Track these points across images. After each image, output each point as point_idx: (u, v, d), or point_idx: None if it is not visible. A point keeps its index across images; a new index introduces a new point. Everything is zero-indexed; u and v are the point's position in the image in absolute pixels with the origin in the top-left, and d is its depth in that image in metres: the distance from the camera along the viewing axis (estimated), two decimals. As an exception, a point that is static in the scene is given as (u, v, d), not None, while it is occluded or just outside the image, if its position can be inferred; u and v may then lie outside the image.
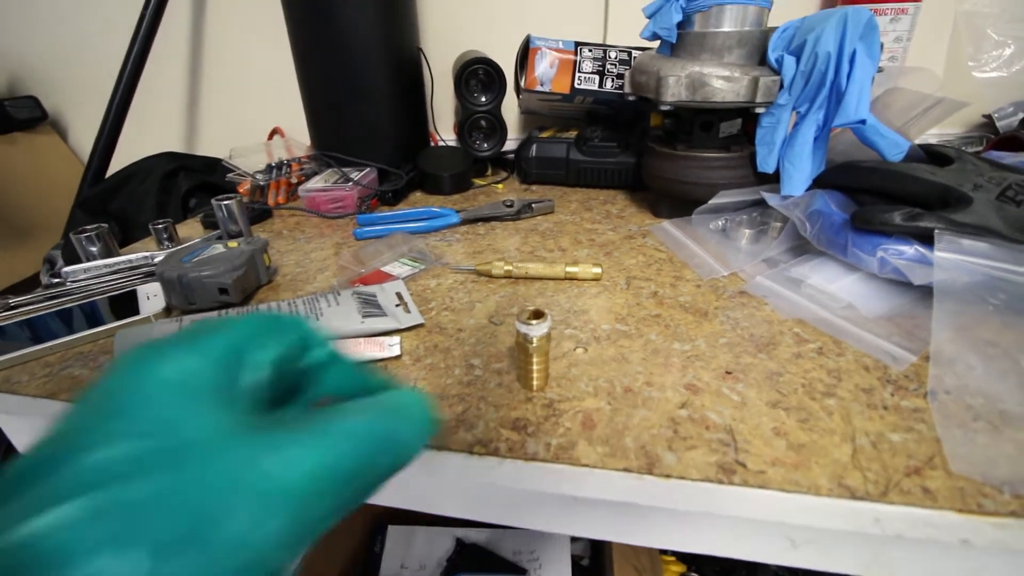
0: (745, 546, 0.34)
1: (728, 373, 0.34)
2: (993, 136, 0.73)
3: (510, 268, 0.48)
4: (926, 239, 0.39)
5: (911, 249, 0.40)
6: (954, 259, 0.37)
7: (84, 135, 1.17)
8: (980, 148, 0.73)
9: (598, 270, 0.47)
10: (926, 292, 0.38)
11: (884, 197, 0.47)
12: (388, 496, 0.38)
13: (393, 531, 0.87)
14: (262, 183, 0.70)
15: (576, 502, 0.34)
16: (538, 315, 0.32)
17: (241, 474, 0.13)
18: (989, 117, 0.73)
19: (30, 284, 1.03)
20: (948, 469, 0.27)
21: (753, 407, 0.31)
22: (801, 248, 0.49)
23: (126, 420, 0.14)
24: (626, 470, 0.27)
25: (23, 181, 1.06)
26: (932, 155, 0.50)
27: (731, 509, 0.27)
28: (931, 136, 0.78)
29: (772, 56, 0.50)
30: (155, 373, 0.15)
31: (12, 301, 0.47)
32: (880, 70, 0.52)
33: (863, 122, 0.45)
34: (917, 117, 0.53)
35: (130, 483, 0.12)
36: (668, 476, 0.27)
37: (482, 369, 0.36)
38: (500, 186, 0.77)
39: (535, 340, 0.32)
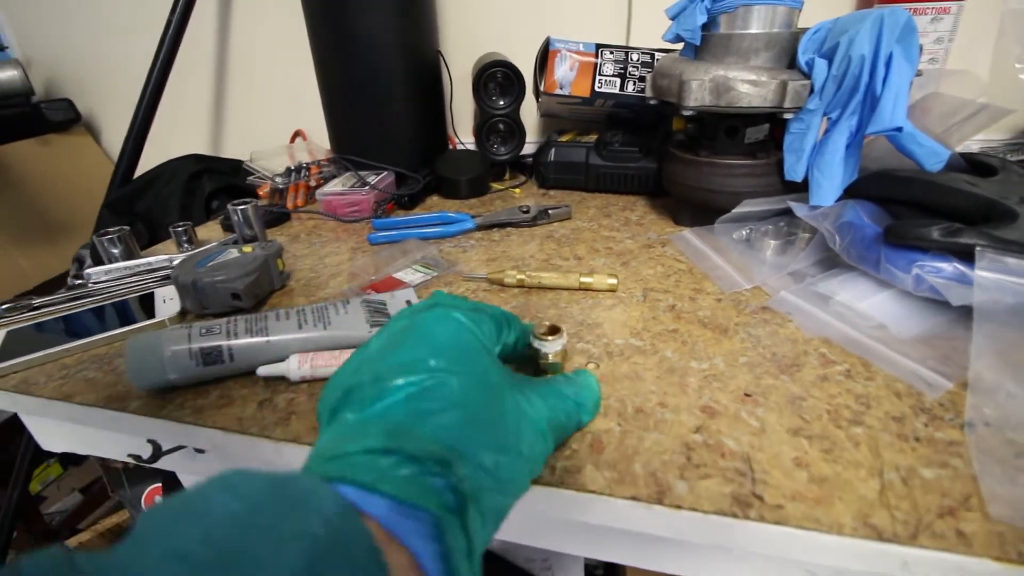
0: (761, 577, 0.32)
1: (747, 395, 0.33)
2: (1042, 142, 0.69)
3: (523, 277, 0.47)
4: (966, 256, 0.37)
5: (950, 267, 0.37)
6: (997, 279, 0.35)
7: (116, 136, 1.20)
8: (1027, 156, 0.69)
9: (613, 281, 0.46)
10: (965, 313, 0.36)
11: (921, 209, 0.44)
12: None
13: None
14: (281, 187, 0.70)
15: (586, 525, 0.32)
16: (554, 331, 0.32)
17: (523, 411, 0.24)
18: (1038, 122, 0.69)
19: (61, 280, 1.06)
20: (986, 511, 0.25)
21: (773, 434, 0.30)
22: (830, 261, 0.47)
23: (443, 354, 0.23)
24: (634, 498, 0.26)
25: (57, 181, 1.09)
26: (974, 165, 0.47)
27: (746, 545, 0.25)
28: (974, 142, 0.74)
29: (802, 59, 0.48)
30: (459, 323, 0.25)
31: (36, 302, 0.48)
32: (919, 73, 0.49)
33: (899, 129, 0.43)
34: (959, 124, 0.50)
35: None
36: (679, 507, 0.25)
37: (490, 384, 0.35)
38: (517, 191, 0.76)
39: (551, 357, 0.31)
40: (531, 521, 0.35)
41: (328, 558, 0.14)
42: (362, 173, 0.73)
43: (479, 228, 0.62)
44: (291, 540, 0.14)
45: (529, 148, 0.80)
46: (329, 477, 0.18)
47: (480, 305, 0.27)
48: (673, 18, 0.53)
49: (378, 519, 0.17)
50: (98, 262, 0.55)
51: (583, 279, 0.46)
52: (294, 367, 0.34)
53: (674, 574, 0.35)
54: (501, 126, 0.76)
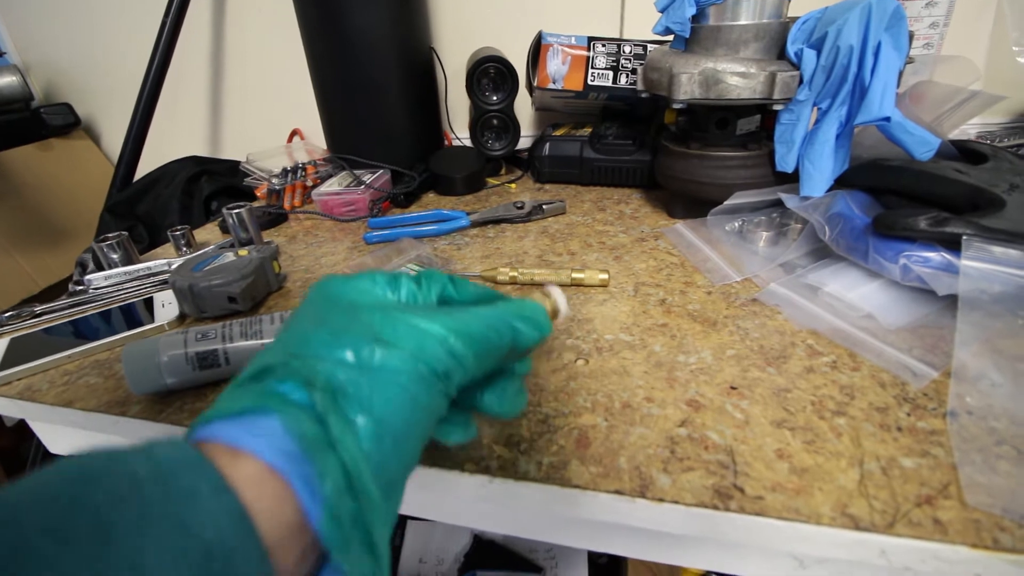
0: (751, 565, 0.33)
1: (733, 388, 0.33)
2: (1039, 126, 0.68)
3: (515, 274, 0.47)
4: (954, 245, 0.37)
5: (937, 256, 0.37)
6: (982, 268, 0.35)
7: (117, 139, 1.21)
8: (1023, 141, 0.69)
9: (605, 276, 0.46)
10: (953, 302, 0.36)
11: (911, 199, 0.44)
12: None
13: (412, 526, 0.88)
14: (278, 187, 0.71)
15: (579, 518, 0.33)
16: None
17: (401, 317, 0.20)
18: (1035, 105, 0.68)
19: (67, 285, 1.08)
20: (963, 499, 0.25)
21: (757, 426, 0.30)
22: (822, 252, 0.47)
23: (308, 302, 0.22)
24: (618, 492, 0.27)
25: (59, 185, 1.10)
26: (965, 152, 0.47)
27: (727, 536, 0.26)
28: (971, 126, 0.73)
29: (791, 49, 0.48)
30: (326, 284, 0.22)
31: (38, 309, 0.49)
32: (911, 60, 0.49)
33: (888, 119, 0.43)
34: (950, 111, 0.50)
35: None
36: (661, 500, 0.26)
37: (480, 382, 0.35)
38: (513, 186, 0.77)
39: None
40: (526, 516, 0.36)
41: (151, 490, 0.13)
42: (358, 172, 0.73)
43: (474, 225, 0.62)
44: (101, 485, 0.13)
45: (525, 142, 0.80)
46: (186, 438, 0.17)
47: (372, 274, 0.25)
48: (662, 11, 0.53)
49: (218, 439, 0.16)
50: (99, 266, 0.56)
51: (575, 275, 0.46)
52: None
53: (673, 563, 0.35)
54: (495, 121, 0.76)
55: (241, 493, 0.14)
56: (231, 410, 0.17)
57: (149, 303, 0.48)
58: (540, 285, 0.26)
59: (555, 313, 0.26)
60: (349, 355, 0.18)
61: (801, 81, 0.48)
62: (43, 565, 0.11)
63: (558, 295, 0.26)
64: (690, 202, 0.59)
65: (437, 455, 0.30)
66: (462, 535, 0.87)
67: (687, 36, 0.53)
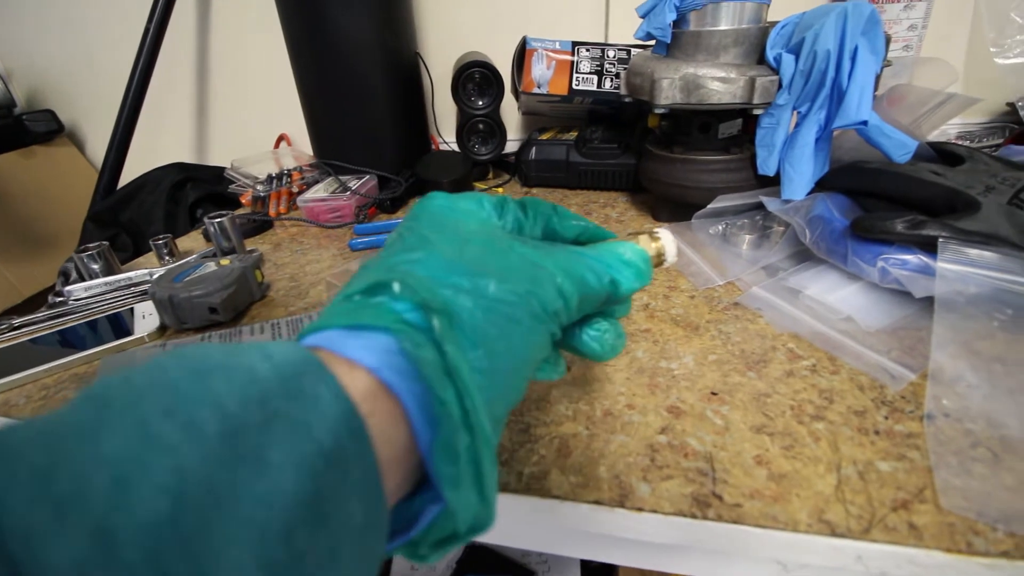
0: (737, 569, 0.33)
1: (714, 394, 0.33)
2: (1017, 126, 0.69)
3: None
4: (930, 248, 0.37)
5: (914, 258, 0.38)
6: (958, 270, 0.35)
7: (100, 146, 1.20)
8: (1002, 141, 0.70)
9: (589, 282, 0.46)
10: (931, 303, 0.36)
11: (890, 201, 0.44)
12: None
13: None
14: (263, 194, 0.70)
15: (563, 528, 0.33)
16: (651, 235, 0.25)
17: (520, 251, 0.20)
18: (1012, 106, 0.69)
19: (49, 294, 1.07)
20: (939, 503, 0.25)
21: (736, 432, 0.30)
22: (803, 254, 0.48)
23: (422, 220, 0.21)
24: (597, 502, 0.27)
25: (42, 193, 1.09)
26: (943, 154, 0.48)
27: (705, 544, 0.26)
28: (953, 126, 0.74)
29: (770, 54, 0.48)
30: (441, 201, 0.22)
31: (16, 321, 0.48)
32: (889, 63, 0.49)
33: (865, 123, 0.43)
34: (928, 113, 0.50)
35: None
36: (640, 509, 0.26)
37: (462, 391, 0.35)
38: (500, 190, 0.77)
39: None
40: (512, 527, 0.36)
41: (273, 389, 0.13)
42: (344, 178, 0.73)
43: (459, 231, 0.62)
44: (224, 381, 0.12)
45: (512, 146, 0.81)
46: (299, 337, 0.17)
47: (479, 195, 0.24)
48: (644, 16, 0.53)
49: (333, 349, 0.15)
50: (82, 277, 0.55)
51: (558, 281, 0.46)
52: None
53: (660, 570, 0.35)
54: (481, 126, 0.76)
55: (359, 405, 0.14)
56: (346, 322, 0.16)
57: (129, 314, 0.48)
58: (652, 229, 0.25)
59: (660, 259, 0.25)
60: (465, 282, 0.17)
61: (780, 86, 0.48)
62: (165, 451, 0.11)
63: (668, 241, 0.25)
64: (675, 206, 0.59)
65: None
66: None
67: (668, 41, 0.53)
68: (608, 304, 0.23)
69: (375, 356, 0.15)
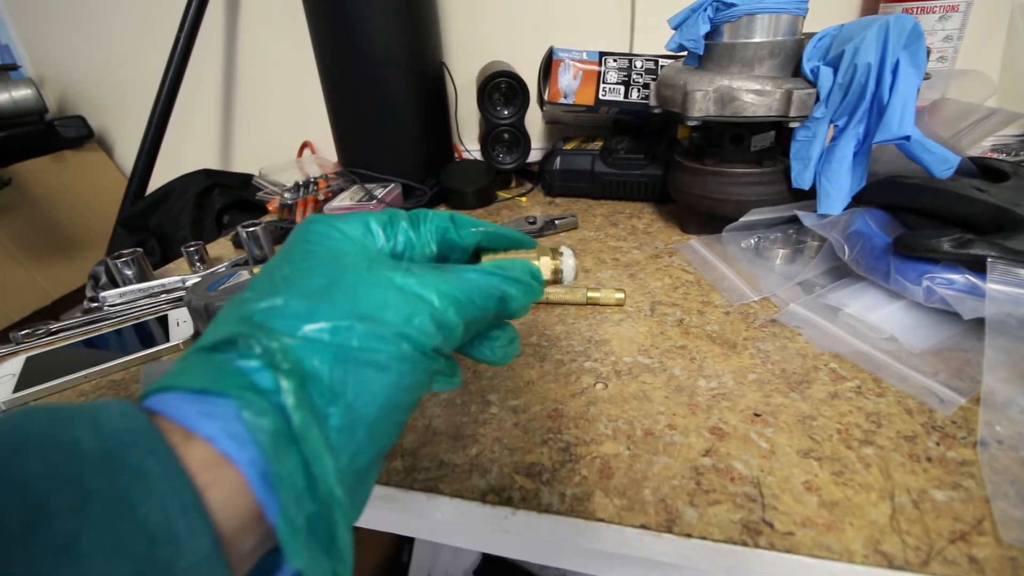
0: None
1: (756, 416, 0.33)
2: (1056, 139, 0.68)
3: (531, 293, 0.47)
4: (978, 267, 0.36)
5: (961, 278, 0.37)
6: (1009, 291, 0.34)
7: (128, 150, 1.22)
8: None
9: (621, 295, 0.46)
10: (977, 323, 0.36)
11: (931, 217, 0.44)
12: (414, 526, 0.38)
13: (420, 542, 0.87)
14: (290, 202, 0.71)
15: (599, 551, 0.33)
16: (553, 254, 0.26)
17: (386, 280, 0.18)
18: (1052, 118, 0.67)
19: (78, 296, 1.09)
20: (999, 536, 0.25)
21: (783, 456, 0.30)
22: (840, 271, 0.47)
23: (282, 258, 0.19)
24: (644, 527, 0.26)
25: (71, 196, 1.11)
26: (985, 169, 0.47)
27: (756, 573, 0.25)
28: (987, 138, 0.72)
29: (807, 67, 0.48)
30: (305, 229, 0.20)
31: (54, 327, 0.49)
32: (928, 76, 0.48)
33: (908, 138, 0.42)
34: (969, 128, 0.49)
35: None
36: (688, 535, 0.26)
37: (498, 406, 0.35)
38: (524, 199, 0.77)
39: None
40: (542, 545, 0.35)
41: (94, 465, 0.12)
42: (369, 186, 0.73)
43: (486, 241, 0.62)
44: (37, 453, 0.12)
45: (535, 155, 0.80)
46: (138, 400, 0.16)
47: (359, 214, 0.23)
48: (676, 28, 0.53)
49: (171, 416, 0.14)
50: (112, 280, 0.56)
51: (590, 294, 0.46)
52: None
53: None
54: (506, 135, 0.76)
55: (194, 477, 0.13)
56: (188, 384, 0.15)
57: (163, 321, 0.49)
58: (556, 248, 0.26)
59: (556, 277, 0.25)
60: (325, 333, 0.16)
61: (818, 99, 0.47)
62: None
63: (568, 263, 0.25)
64: (704, 218, 0.59)
65: (458, 485, 0.29)
66: (470, 552, 0.87)
67: (701, 53, 0.53)
68: (501, 318, 0.23)
69: (213, 424, 0.14)
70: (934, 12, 0.62)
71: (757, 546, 0.25)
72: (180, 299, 0.52)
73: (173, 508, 0.12)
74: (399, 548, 0.89)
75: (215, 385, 0.15)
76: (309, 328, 0.16)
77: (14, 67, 1.16)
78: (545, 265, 0.25)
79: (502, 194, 0.78)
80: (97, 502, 0.11)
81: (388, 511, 0.30)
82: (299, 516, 0.14)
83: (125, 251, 0.54)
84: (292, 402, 0.15)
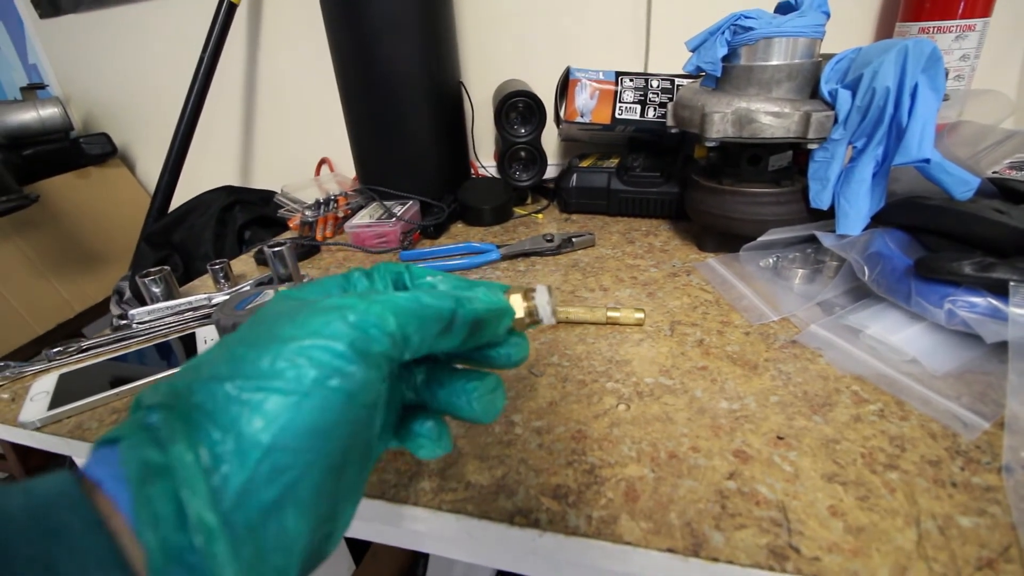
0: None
1: (780, 439, 0.33)
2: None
3: (551, 313, 0.48)
4: (1000, 290, 0.36)
5: (983, 301, 0.37)
6: (1033, 315, 0.34)
7: (149, 166, 1.25)
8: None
9: (640, 315, 0.46)
10: (1000, 346, 0.36)
11: (951, 239, 0.44)
12: (431, 544, 0.38)
13: (435, 559, 0.87)
14: (311, 219, 0.73)
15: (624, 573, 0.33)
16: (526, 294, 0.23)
17: (352, 302, 0.17)
18: (1070, 136, 0.67)
19: (102, 309, 1.11)
20: (1029, 565, 0.25)
21: (807, 480, 0.30)
22: (860, 291, 0.47)
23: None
24: (671, 551, 0.26)
25: (95, 212, 1.14)
26: (1004, 190, 0.47)
27: (784, 598, 0.25)
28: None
29: (825, 89, 0.48)
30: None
31: (85, 344, 0.51)
32: (946, 97, 0.49)
33: (927, 161, 0.42)
34: (988, 149, 0.49)
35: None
36: (715, 560, 0.26)
37: (522, 427, 0.36)
38: (540, 216, 0.77)
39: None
40: (565, 566, 0.35)
41: (20, 528, 0.12)
42: (388, 203, 0.74)
43: (504, 258, 0.63)
44: None
45: (550, 171, 0.81)
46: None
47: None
48: (693, 50, 0.54)
49: (88, 471, 0.15)
50: (137, 294, 0.57)
51: (610, 313, 0.46)
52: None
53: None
54: (523, 154, 0.77)
55: (106, 524, 0.13)
56: (101, 440, 0.15)
57: (191, 339, 0.50)
58: (527, 287, 0.23)
59: (533, 319, 0.23)
60: (222, 367, 0.16)
61: (836, 121, 0.48)
62: None
63: (542, 301, 0.23)
64: (721, 236, 0.59)
65: (485, 506, 0.30)
66: (485, 570, 0.86)
67: (718, 75, 0.53)
68: (472, 340, 0.21)
69: (102, 470, 0.15)
70: (951, 32, 0.63)
71: (784, 571, 0.25)
72: (206, 316, 0.54)
73: (91, 563, 0.12)
74: (414, 565, 0.89)
75: (117, 432, 0.15)
76: (219, 370, 0.16)
77: (42, 86, 1.20)
78: (517, 303, 0.23)
79: (518, 211, 0.79)
80: (21, 565, 0.12)
81: (412, 531, 0.30)
82: (167, 545, 0.13)
83: (153, 269, 0.56)
84: (172, 429, 0.15)
